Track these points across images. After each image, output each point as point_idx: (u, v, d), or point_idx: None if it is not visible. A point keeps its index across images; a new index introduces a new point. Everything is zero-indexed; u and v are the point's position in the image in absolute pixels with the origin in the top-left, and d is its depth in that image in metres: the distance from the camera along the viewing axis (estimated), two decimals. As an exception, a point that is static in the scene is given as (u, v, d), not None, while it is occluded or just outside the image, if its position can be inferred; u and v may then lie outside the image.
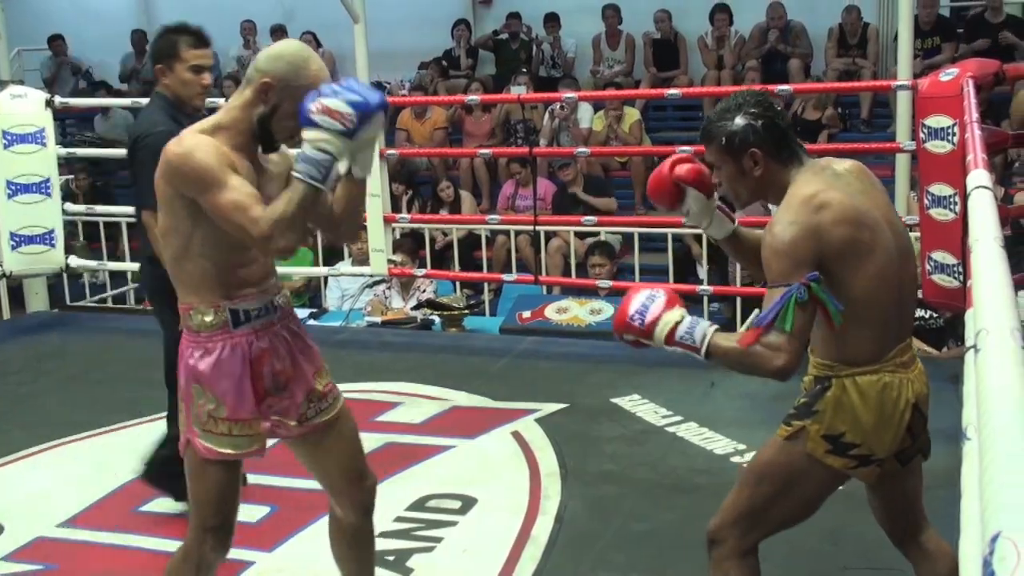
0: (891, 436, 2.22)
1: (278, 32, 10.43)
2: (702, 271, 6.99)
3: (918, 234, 4.67)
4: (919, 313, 5.42)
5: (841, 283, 2.15)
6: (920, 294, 4.75)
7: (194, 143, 2.28)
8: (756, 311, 2.79)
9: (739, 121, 2.23)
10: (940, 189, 4.29)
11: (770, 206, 2.33)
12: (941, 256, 4.36)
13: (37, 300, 6.66)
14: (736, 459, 3.90)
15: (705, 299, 5.94)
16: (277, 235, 2.20)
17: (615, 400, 4.59)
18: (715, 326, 2.16)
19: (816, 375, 2.28)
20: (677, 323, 2.16)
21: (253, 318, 2.39)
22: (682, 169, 2.39)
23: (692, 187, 2.39)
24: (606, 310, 5.76)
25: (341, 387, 2.59)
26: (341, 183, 2.38)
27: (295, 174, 2.20)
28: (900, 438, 2.23)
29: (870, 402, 2.20)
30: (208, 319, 2.37)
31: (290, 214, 2.19)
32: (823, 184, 2.18)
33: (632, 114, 8.71)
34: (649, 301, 2.19)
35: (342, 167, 2.27)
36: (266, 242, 2.22)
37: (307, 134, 2.18)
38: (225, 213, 2.22)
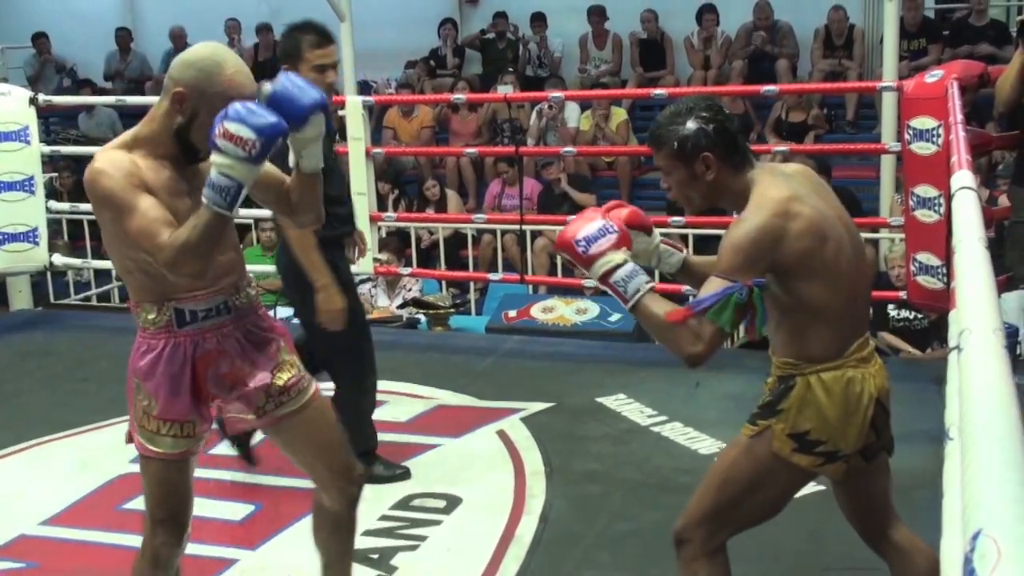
0: (856, 430, 2.23)
1: (263, 31, 10.40)
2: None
3: (903, 235, 4.68)
4: (904, 314, 5.45)
5: (798, 288, 2.17)
6: (905, 295, 4.76)
7: (103, 165, 2.24)
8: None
9: (690, 125, 2.21)
10: (925, 190, 4.30)
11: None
12: (926, 257, 4.38)
13: (21, 298, 6.63)
14: (721, 459, 3.90)
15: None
16: (181, 262, 2.18)
17: (600, 399, 4.59)
18: (651, 284, 2.15)
19: (780, 375, 2.28)
20: (618, 266, 2.16)
21: (200, 319, 2.36)
22: (618, 214, 2.38)
23: (631, 229, 2.38)
24: (592, 310, 5.76)
25: (327, 385, 2.57)
26: (293, 175, 2.37)
27: (202, 199, 2.16)
28: (865, 433, 2.24)
29: (835, 397, 2.20)
30: (151, 316, 2.36)
31: (194, 241, 2.16)
32: (790, 190, 2.18)
33: (619, 114, 8.71)
34: (600, 234, 2.18)
35: (293, 159, 2.22)
36: (171, 268, 2.20)
37: (213, 158, 2.13)
38: (132, 238, 2.21)
